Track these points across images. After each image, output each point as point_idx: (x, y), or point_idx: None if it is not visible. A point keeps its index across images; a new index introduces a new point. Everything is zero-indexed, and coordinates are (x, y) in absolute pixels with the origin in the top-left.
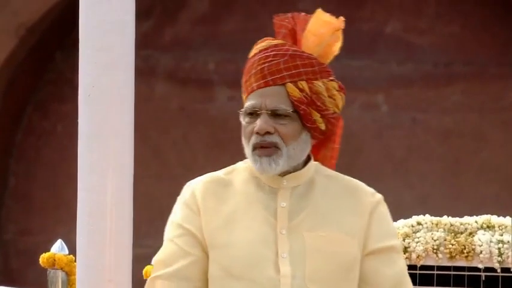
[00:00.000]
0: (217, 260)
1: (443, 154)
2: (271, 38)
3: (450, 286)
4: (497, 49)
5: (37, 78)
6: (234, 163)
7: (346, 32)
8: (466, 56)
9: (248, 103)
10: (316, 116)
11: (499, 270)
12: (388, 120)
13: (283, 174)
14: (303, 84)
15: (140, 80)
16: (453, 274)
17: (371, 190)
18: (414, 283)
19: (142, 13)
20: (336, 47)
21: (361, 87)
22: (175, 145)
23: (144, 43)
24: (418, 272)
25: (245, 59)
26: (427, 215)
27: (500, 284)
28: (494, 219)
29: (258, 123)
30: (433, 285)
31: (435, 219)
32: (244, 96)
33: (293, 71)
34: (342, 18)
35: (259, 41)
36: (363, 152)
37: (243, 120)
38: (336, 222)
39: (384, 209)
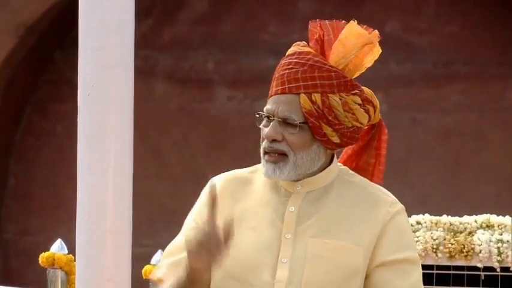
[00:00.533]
0: None
1: (443, 154)
2: (303, 43)
3: (450, 285)
4: (497, 49)
5: (36, 77)
6: (233, 162)
7: None
8: (466, 56)
9: (266, 107)
10: (327, 129)
11: (498, 270)
12: (388, 120)
13: (298, 179)
14: (316, 97)
15: (140, 79)
16: (453, 273)
17: (392, 199)
18: None
19: (141, 13)
20: (368, 60)
21: None
22: (174, 145)
23: (144, 43)
24: None
25: (245, 58)
26: (426, 215)
27: (500, 283)
28: (494, 219)
29: (269, 129)
30: (432, 285)
31: (435, 218)
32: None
33: (309, 82)
34: (376, 32)
35: (295, 44)
36: None
37: (260, 124)
38: (344, 230)
39: (402, 220)
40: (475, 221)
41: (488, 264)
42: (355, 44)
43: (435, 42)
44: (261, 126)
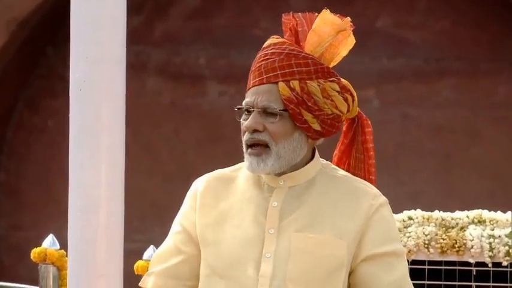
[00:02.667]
0: (205, 257)
1: (435, 150)
2: (277, 36)
3: (441, 280)
4: (489, 45)
5: (28, 73)
6: (225, 158)
7: None
8: (458, 52)
9: (244, 100)
10: (307, 116)
11: (490, 265)
12: (379, 115)
13: (280, 173)
14: (295, 84)
15: (132, 75)
16: (444, 269)
17: (375, 192)
18: None
19: (133, 8)
20: (343, 49)
21: (352, 83)
22: (166, 140)
23: (136, 38)
24: (409, 266)
25: (237, 54)
26: (418, 210)
27: (491, 278)
28: (486, 214)
29: (248, 120)
30: (424, 280)
31: (426, 214)
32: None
33: (286, 70)
34: (348, 19)
35: (270, 37)
36: None
37: (240, 117)
38: (327, 224)
39: (386, 213)
40: (467, 217)
41: (480, 260)
42: (329, 33)
43: (427, 38)
44: (241, 120)
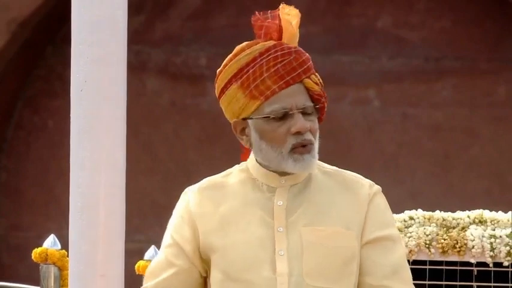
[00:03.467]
0: (217, 264)
1: (434, 149)
2: (260, 40)
3: (442, 281)
4: (488, 44)
5: (28, 73)
6: (224, 158)
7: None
8: (457, 51)
9: (274, 106)
10: (325, 108)
11: (491, 265)
12: (379, 115)
13: (282, 173)
14: (315, 78)
15: (131, 75)
16: (445, 269)
17: (369, 182)
18: None
19: (133, 8)
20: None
21: (352, 83)
22: (166, 140)
23: (136, 38)
24: (410, 266)
25: None
26: (419, 210)
27: (493, 278)
28: (487, 214)
29: (298, 123)
30: (425, 280)
31: (427, 214)
32: (256, 102)
33: (304, 67)
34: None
35: (246, 44)
36: (353, 148)
37: (269, 124)
38: (333, 217)
39: (381, 200)
40: (468, 217)
41: (481, 260)
42: (296, 24)
43: (426, 37)
44: (270, 128)
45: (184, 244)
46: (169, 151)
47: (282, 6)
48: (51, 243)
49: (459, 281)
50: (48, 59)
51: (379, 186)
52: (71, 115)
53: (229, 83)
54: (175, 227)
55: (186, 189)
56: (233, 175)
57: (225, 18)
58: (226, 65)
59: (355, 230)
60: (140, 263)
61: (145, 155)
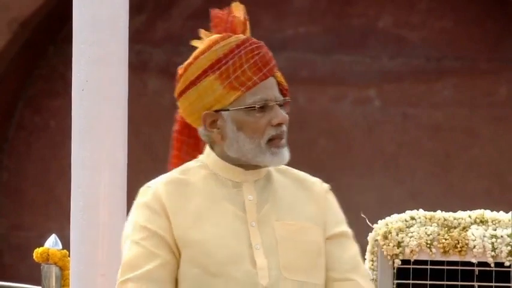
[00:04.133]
0: (192, 259)
1: (434, 149)
2: (230, 34)
3: (444, 281)
4: (488, 44)
5: (29, 73)
6: None
7: (337, 27)
8: (458, 51)
9: (256, 97)
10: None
11: (492, 265)
12: (379, 115)
13: (247, 168)
14: (280, 73)
15: (133, 75)
16: (447, 269)
17: (317, 180)
18: (408, 278)
19: (135, 8)
20: None
21: (352, 83)
22: (167, 140)
23: (137, 38)
24: (411, 266)
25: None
26: (420, 210)
27: (494, 278)
28: (488, 214)
29: (279, 114)
30: (426, 280)
31: (429, 214)
32: (236, 93)
33: (273, 61)
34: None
35: (221, 37)
36: (353, 147)
37: (250, 115)
38: (300, 212)
39: (333, 198)
40: (469, 217)
41: (482, 260)
42: (245, 18)
43: (427, 37)
44: (251, 119)
45: (165, 234)
46: (169, 151)
47: (235, 4)
48: (52, 243)
49: (460, 281)
50: (49, 58)
51: (328, 184)
52: (72, 115)
53: (203, 74)
54: (149, 219)
55: (148, 184)
56: (192, 172)
57: None
58: (197, 57)
59: (321, 225)
60: None
61: (146, 155)
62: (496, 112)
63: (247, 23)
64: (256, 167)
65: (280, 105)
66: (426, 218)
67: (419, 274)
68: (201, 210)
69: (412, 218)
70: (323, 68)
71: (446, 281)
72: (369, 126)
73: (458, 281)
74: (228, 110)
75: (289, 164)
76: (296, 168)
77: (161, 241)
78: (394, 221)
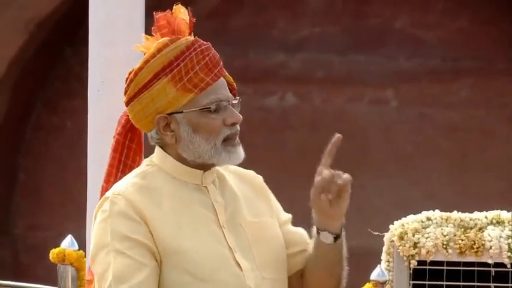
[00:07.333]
0: (179, 266)
1: (450, 150)
2: (176, 36)
3: (460, 281)
4: (504, 44)
5: (46, 73)
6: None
7: (353, 27)
8: (474, 51)
9: (210, 98)
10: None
11: (508, 266)
12: (396, 115)
13: (203, 169)
14: (226, 72)
15: None
16: (463, 269)
17: (252, 171)
18: (424, 278)
19: (151, 9)
20: None
21: (369, 83)
22: None
23: None
24: (427, 267)
25: (254, 54)
26: (436, 211)
27: (510, 279)
28: (504, 215)
29: (233, 114)
30: (442, 281)
31: (445, 214)
32: (189, 95)
33: (221, 62)
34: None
35: (169, 40)
36: (370, 148)
37: (204, 116)
38: (256, 208)
39: (267, 187)
40: (486, 217)
41: (499, 260)
42: (187, 21)
43: (443, 37)
44: (205, 120)
45: (149, 242)
46: None
47: (177, 6)
48: (68, 243)
49: (477, 282)
50: (66, 59)
51: (261, 176)
52: (88, 115)
53: (155, 77)
54: (129, 228)
55: (111, 194)
56: (151, 176)
57: (242, 18)
58: (147, 61)
59: (274, 217)
60: None
61: None
62: None
63: (193, 24)
64: (210, 167)
65: (232, 105)
66: (442, 219)
67: (436, 275)
68: (177, 216)
69: (428, 219)
70: (339, 69)
71: (463, 281)
72: (385, 127)
73: (474, 282)
74: (182, 112)
75: (305, 165)
76: (312, 169)
77: (145, 249)
78: (410, 221)
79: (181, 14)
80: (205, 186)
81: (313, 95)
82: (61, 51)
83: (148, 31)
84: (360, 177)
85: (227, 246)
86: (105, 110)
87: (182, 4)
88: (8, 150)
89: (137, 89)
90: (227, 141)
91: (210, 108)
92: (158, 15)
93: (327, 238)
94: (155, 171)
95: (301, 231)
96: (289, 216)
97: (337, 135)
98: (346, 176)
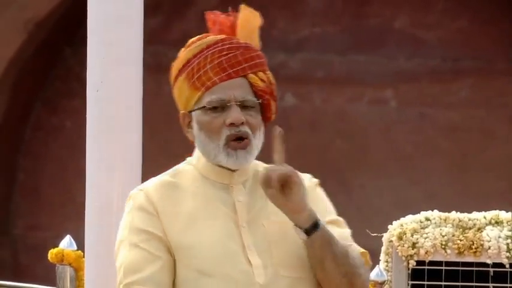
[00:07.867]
0: (186, 261)
1: (450, 150)
2: (210, 34)
3: (458, 281)
4: (504, 44)
5: (45, 73)
6: None
7: (353, 27)
8: (474, 51)
9: (212, 96)
10: (273, 106)
11: (507, 266)
12: (395, 115)
13: (234, 169)
14: (262, 75)
15: (148, 76)
16: (461, 270)
17: (308, 175)
18: (422, 278)
19: (150, 8)
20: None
21: (369, 83)
22: (183, 141)
23: (153, 39)
24: (426, 267)
25: None
26: (435, 211)
27: (509, 279)
28: (503, 215)
29: (232, 114)
30: (441, 281)
31: (443, 214)
32: (197, 93)
33: (251, 63)
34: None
35: (197, 38)
36: (369, 148)
37: (207, 115)
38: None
39: (322, 191)
40: (484, 217)
41: (497, 261)
42: (256, 26)
43: (443, 37)
44: (208, 118)
45: (163, 236)
46: (187, 152)
47: (243, 6)
48: (67, 243)
49: (475, 282)
50: (65, 59)
51: (317, 180)
52: (87, 116)
53: (178, 75)
54: (145, 221)
55: (138, 188)
56: (183, 174)
57: None
58: (178, 57)
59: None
60: None
61: (162, 156)
62: None
63: (249, 24)
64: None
65: (249, 108)
66: (441, 219)
67: (434, 275)
68: (194, 213)
69: (427, 219)
70: (339, 69)
71: (461, 282)
72: (385, 127)
73: (473, 282)
74: (194, 110)
75: (305, 165)
76: (313, 169)
77: (160, 242)
78: (409, 221)
79: (245, 14)
80: (232, 186)
81: (313, 95)
82: (60, 51)
83: (147, 31)
84: (360, 177)
85: (240, 244)
86: (104, 110)
87: (182, 4)
88: (7, 151)
89: (172, 83)
90: (229, 143)
91: (210, 106)
92: (208, 12)
93: (300, 233)
94: (188, 170)
95: (340, 232)
96: (334, 218)
97: (278, 129)
98: (282, 167)
